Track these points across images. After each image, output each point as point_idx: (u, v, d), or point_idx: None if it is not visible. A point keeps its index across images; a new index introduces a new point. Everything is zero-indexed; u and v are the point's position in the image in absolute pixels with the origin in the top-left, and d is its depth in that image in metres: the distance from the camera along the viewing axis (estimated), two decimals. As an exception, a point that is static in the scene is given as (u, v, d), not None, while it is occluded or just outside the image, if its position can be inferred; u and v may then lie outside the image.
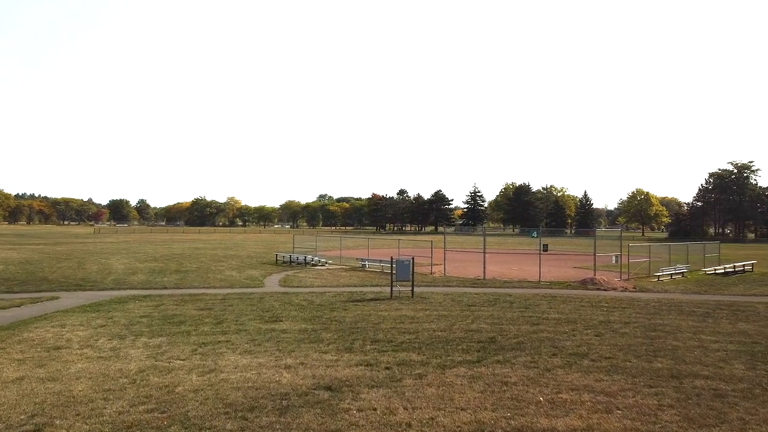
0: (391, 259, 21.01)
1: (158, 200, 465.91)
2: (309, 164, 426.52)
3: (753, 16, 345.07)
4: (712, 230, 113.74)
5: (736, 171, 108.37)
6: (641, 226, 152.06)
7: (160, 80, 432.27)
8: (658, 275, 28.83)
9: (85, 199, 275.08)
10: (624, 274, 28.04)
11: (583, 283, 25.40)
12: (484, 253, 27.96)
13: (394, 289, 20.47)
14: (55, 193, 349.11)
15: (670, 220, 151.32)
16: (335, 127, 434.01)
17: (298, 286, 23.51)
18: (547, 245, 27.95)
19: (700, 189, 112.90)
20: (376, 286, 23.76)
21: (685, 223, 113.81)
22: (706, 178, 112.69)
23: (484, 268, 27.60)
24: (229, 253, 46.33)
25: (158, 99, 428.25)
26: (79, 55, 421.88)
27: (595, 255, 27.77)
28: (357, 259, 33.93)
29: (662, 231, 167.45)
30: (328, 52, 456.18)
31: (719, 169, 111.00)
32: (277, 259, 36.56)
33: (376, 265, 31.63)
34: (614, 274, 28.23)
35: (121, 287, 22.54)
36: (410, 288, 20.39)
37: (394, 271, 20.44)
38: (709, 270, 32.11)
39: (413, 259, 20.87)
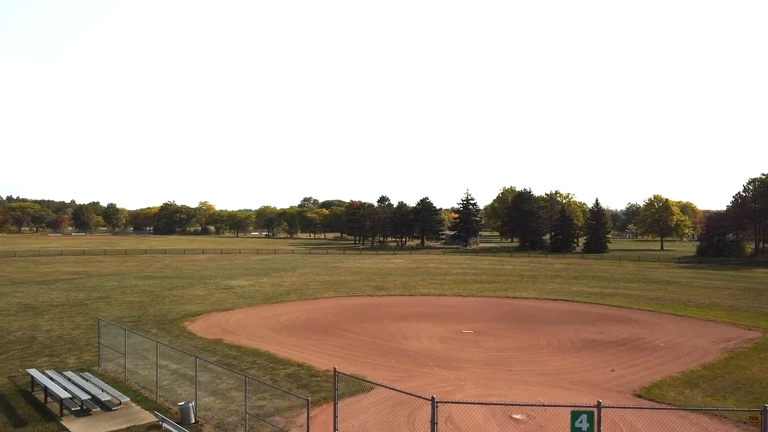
0: None
1: (139, 204, 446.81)
2: (292, 167, 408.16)
3: (753, 19, 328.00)
4: (750, 246, 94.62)
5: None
6: (660, 238, 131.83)
7: (135, 79, 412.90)
8: None
9: (68, 201, 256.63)
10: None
11: None
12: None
13: None
14: (36, 195, 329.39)
15: (692, 231, 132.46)
16: (321, 128, 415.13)
17: None
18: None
19: (735, 198, 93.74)
20: None
21: (718, 239, 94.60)
22: (745, 185, 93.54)
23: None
24: (54, 332, 27.28)
25: (137, 100, 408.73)
26: (59, 57, 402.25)
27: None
28: (155, 413, 14.93)
29: (683, 240, 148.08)
30: (312, 50, 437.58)
31: (762, 174, 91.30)
32: (33, 385, 17.67)
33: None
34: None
35: None
36: None
37: None
38: None
39: None
